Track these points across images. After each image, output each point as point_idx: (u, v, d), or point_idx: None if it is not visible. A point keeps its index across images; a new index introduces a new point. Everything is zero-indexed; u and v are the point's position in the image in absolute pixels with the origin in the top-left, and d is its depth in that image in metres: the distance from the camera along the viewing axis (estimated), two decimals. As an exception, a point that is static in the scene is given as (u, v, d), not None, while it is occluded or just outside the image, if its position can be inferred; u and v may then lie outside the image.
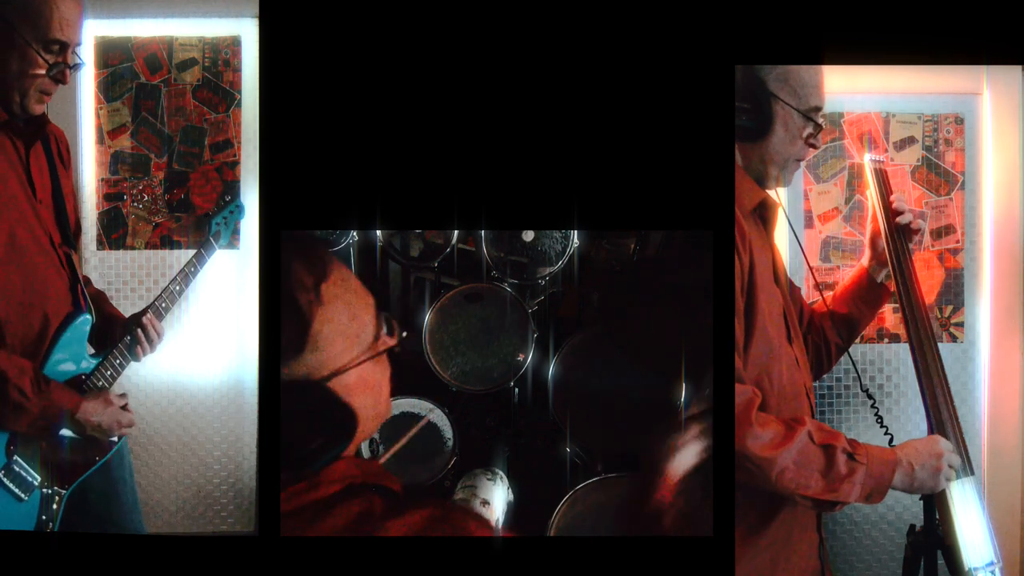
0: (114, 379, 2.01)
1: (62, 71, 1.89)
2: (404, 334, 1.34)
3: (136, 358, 2.05)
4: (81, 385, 1.97)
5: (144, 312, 2.06)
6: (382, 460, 2.04)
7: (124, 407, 2.01)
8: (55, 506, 1.94)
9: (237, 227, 2.40)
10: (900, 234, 1.93)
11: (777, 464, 1.65)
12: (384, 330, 1.29)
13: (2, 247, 1.85)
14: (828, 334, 2.01)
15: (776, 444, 1.65)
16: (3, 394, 1.83)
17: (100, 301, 2.11)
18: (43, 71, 1.87)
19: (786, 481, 1.65)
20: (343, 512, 1.21)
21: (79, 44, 1.92)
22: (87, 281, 2.12)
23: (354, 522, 1.21)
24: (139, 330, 2.04)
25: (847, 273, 2.22)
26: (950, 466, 1.74)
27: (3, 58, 1.86)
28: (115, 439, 2.02)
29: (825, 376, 2.30)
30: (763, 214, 1.81)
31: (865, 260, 2.02)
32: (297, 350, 1.20)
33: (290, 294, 1.20)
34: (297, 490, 1.21)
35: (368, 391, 1.27)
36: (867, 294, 2.02)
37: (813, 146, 1.81)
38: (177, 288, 2.12)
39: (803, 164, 1.89)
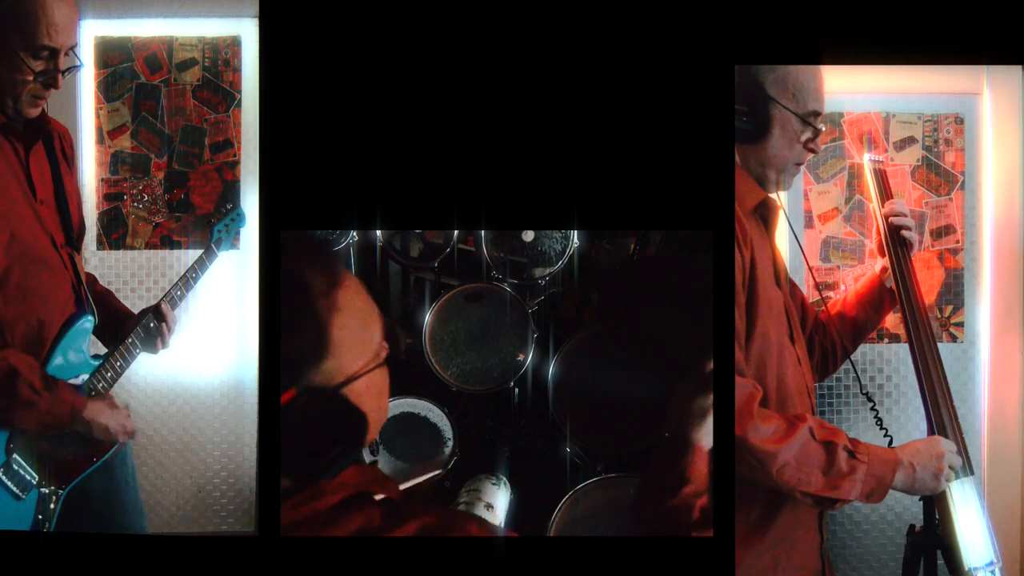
0: (114, 381, 2.01)
1: (53, 77, 1.87)
2: (409, 341, 1.34)
3: (154, 350, 2.06)
4: (81, 387, 1.96)
5: (160, 303, 2.06)
6: (403, 487, 2.04)
7: (128, 415, 2.02)
8: (52, 505, 1.93)
9: (238, 234, 2.40)
10: (898, 235, 1.94)
11: (778, 459, 1.65)
12: (388, 337, 1.30)
13: (2, 249, 1.84)
14: (836, 337, 2.01)
15: (778, 439, 1.65)
16: (13, 390, 1.82)
17: (107, 298, 2.11)
18: (31, 78, 1.85)
19: (787, 477, 1.66)
20: (343, 527, 1.22)
21: (75, 46, 1.90)
22: (92, 280, 2.11)
23: (354, 535, 1.21)
24: (158, 320, 2.04)
25: (853, 276, 2.23)
26: (950, 467, 1.74)
27: None
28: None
29: (825, 376, 2.31)
30: (764, 214, 1.81)
31: (878, 268, 2.03)
32: (317, 357, 1.20)
33: (308, 301, 1.20)
34: (299, 500, 1.21)
35: (374, 397, 1.28)
36: (878, 300, 2.02)
37: (812, 150, 1.80)
38: (179, 294, 2.12)
39: (803, 167, 1.89)
